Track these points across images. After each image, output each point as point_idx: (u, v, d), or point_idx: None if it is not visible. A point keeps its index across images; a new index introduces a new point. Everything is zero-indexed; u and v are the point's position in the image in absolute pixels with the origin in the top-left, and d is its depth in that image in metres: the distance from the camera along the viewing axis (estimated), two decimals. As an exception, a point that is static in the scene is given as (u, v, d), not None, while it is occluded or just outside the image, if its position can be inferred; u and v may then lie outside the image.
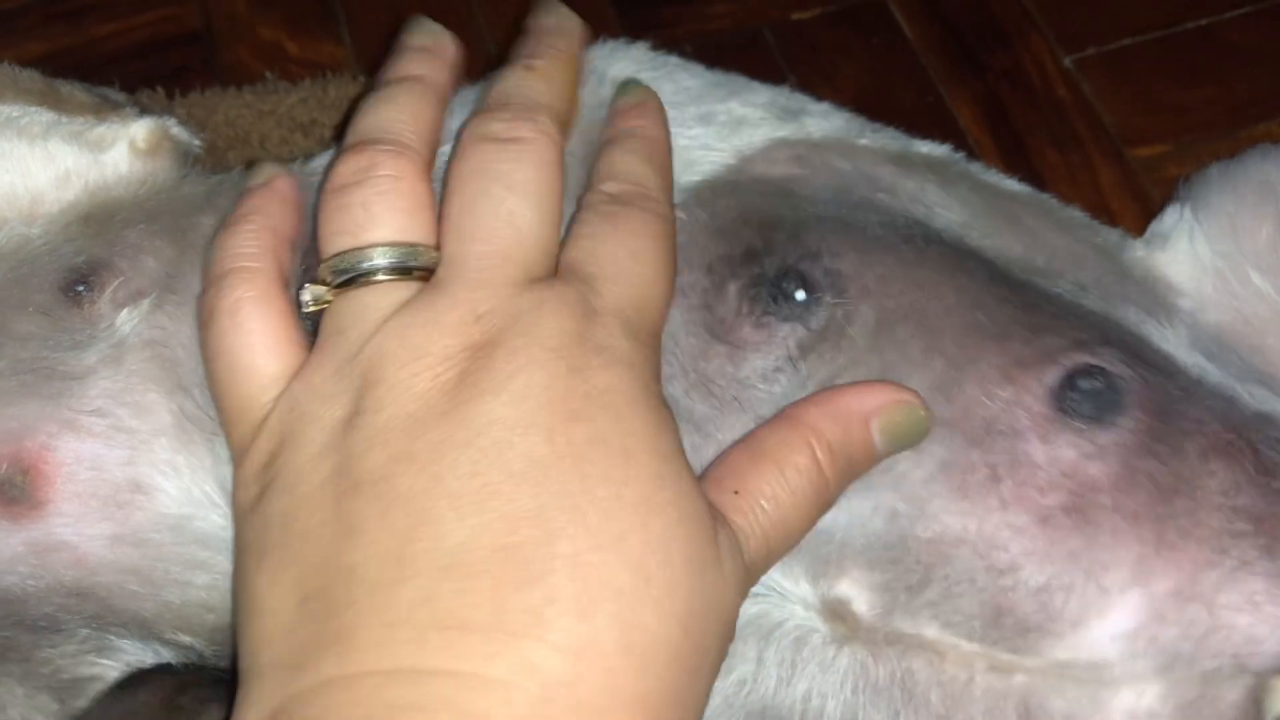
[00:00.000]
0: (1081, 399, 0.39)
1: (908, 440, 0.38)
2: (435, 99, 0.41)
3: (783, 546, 0.36)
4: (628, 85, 0.44)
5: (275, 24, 0.71)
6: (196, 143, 0.46)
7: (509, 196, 0.37)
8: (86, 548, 0.39)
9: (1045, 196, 0.50)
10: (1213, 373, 0.43)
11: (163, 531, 0.39)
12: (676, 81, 0.47)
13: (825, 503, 0.37)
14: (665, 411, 0.35)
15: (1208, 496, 0.39)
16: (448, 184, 0.38)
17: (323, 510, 0.33)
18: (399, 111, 0.39)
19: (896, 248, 0.42)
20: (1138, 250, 0.49)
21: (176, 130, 0.45)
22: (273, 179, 0.41)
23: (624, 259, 0.37)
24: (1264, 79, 0.69)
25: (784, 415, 0.38)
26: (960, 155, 0.50)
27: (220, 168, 0.56)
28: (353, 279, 0.36)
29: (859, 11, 0.72)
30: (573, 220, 0.39)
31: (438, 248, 0.37)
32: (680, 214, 0.41)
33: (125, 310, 0.40)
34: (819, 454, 0.37)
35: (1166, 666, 0.38)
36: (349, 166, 0.37)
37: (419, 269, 0.36)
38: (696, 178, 0.44)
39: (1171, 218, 0.49)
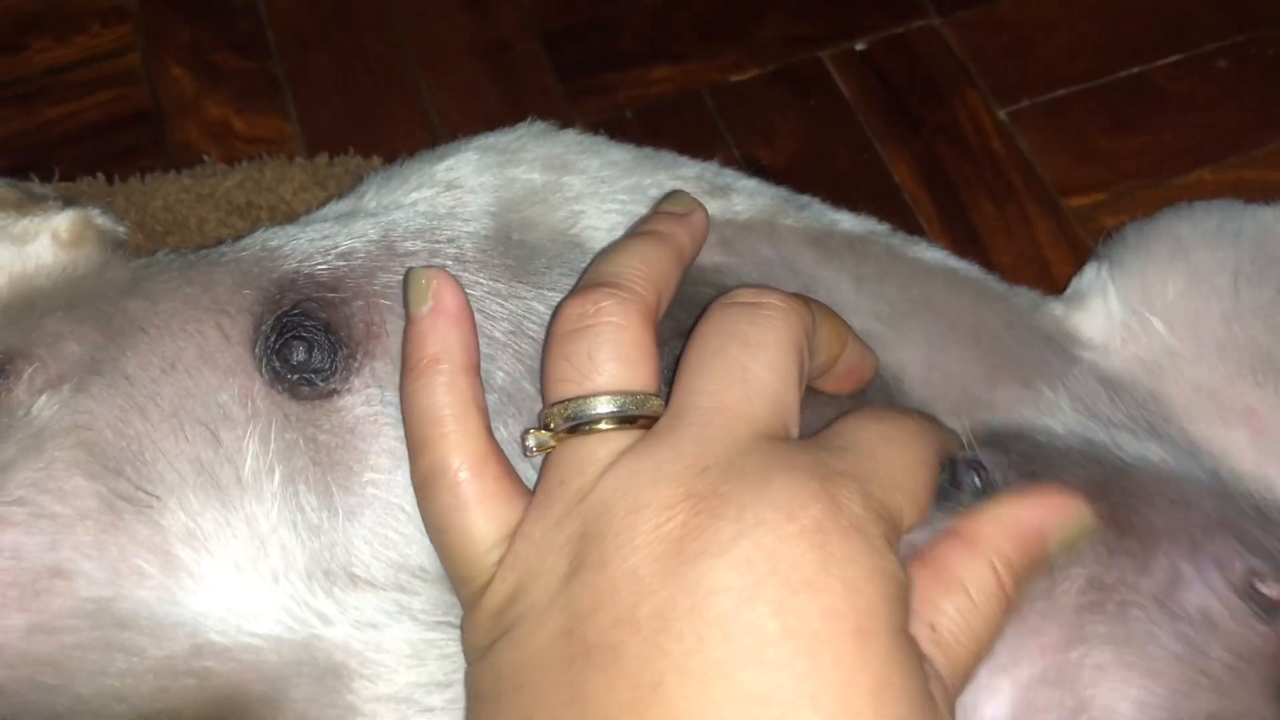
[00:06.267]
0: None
1: (1078, 546, 0.38)
2: (672, 254, 0.40)
3: (975, 668, 0.35)
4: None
5: (223, 101, 0.72)
6: (122, 228, 0.46)
7: (743, 354, 0.36)
8: (3, 640, 0.39)
9: (963, 267, 0.51)
10: (1089, 429, 0.44)
11: (81, 617, 0.39)
12: (604, 156, 0.48)
13: (1006, 619, 0.36)
14: (900, 581, 0.33)
15: (1063, 570, 0.39)
16: (689, 341, 0.38)
17: (553, 673, 0.33)
18: (631, 258, 0.39)
19: None
20: (1056, 309, 0.50)
21: (101, 219, 0.45)
22: (439, 296, 0.39)
23: (877, 440, 0.36)
24: (1196, 126, 0.71)
25: (963, 533, 0.36)
26: (884, 228, 0.51)
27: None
28: (576, 426, 0.36)
29: (796, 72, 0.73)
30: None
31: (658, 396, 0.37)
32: None
33: (44, 397, 0.40)
34: (1001, 573, 0.36)
35: None
36: (575, 310, 0.37)
37: (642, 418, 0.36)
38: None
39: (1089, 275, 0.51)
